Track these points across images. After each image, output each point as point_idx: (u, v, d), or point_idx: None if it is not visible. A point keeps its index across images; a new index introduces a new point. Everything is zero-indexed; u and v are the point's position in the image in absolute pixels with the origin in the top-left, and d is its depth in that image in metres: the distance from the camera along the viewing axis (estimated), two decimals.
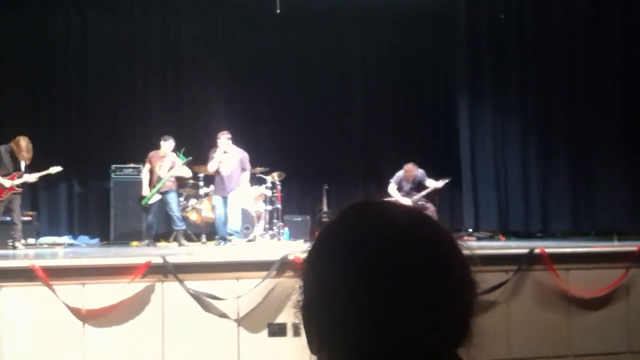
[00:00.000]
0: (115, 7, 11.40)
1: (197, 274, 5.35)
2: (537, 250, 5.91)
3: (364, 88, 12.46)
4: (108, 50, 11.34)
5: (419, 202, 9.98)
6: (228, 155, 9.22)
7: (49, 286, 5.01)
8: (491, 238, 10.45)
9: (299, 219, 11.09)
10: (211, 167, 9.28)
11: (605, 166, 10.58)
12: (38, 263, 5.14)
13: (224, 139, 9.21)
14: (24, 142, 8.78)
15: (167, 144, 9.53)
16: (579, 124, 10.84)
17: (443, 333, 0.84)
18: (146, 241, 9.47)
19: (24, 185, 8.94)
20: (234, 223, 9.06)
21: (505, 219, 10.99)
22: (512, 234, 10.59)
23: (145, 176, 9.57)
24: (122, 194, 10.37)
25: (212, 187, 9.81)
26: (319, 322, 0.87)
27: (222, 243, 9.05)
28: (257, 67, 11.89)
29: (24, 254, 7.62)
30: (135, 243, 9.75)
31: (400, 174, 10.26)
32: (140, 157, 10.16)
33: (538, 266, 5.86)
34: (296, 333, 5.26)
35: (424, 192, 10.15)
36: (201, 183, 10.30)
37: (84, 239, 10.79)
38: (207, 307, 5.30)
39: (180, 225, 9.57)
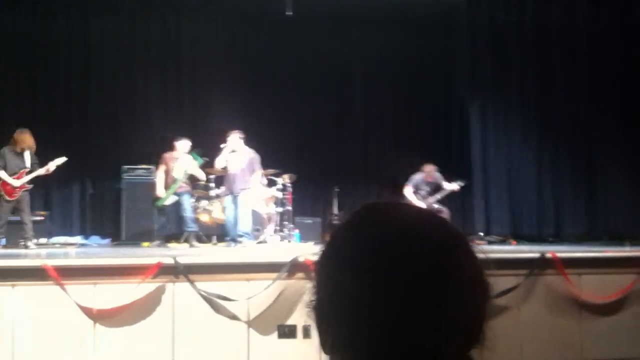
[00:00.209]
0: (118, 9, 11.42)
1: (208, 275, 5.37)
2: (548, 255, 5.88)
3: (377, 91, 12.39)
4: (122, 52, 11.43)
5: (434, 206, 9.95)
6: (237, 154, 9.22)
7: (61, 286, 5.04)
8: (502, 242, 10.40)
9: (310, 221, 11.09)
10: (218, 163, 9.28)
11: (619, 171, 10.53)
12: (50, 262, 5.17)
13: (234, 137, 9.21)
14: (19, 135, 8.78)
15: (182, 145, 9.55)
16: (592, 128, 10.80)
17: (454, 335, 0.84)
18: (157, 242, 9.50)
19: (36, 182, 8.95)
20: (245, 225, 9.06)
21: (517, 223, 10.97)
22: (525, 238, 10.54)
23: (160, 177, 9.57)
24: (134, 195, 10.43)
25: (222, 188, 9.82)
26: (331, 323, 0.88)
27: (233, 244, 9.05)
28: (268, 69, 11.89)
29: (35, 253, 7.65)
30: (146, 244, 9.77)
31: (418, 176, 10.22)
32: (152, 158, 10.21)
33: (549, 270, 5.83)
34: (306, 335, 5.26)
35: (439, 195, 10.12)
36: (212, 184, 10.32)
37: (95, 239, 10.83)
38: (217, 308, 5.31)
39: (192, 227, 9.57)
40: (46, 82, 11.31)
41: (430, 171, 10.14)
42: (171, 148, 9.61)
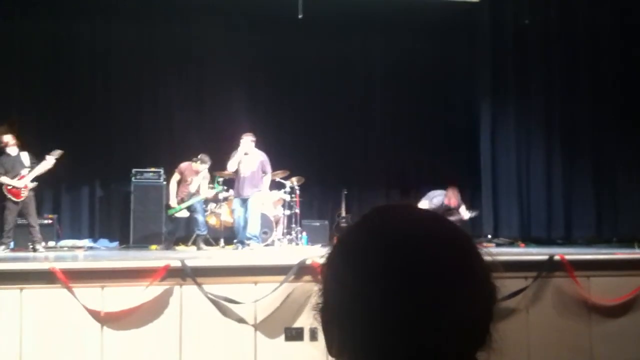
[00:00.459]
0: (138, 13, 11.42)
1: (216, 278, 5.37)
2: (557, 257, 5.85)
3: (385, 94, 12.37)
4: (131, 56, 11.44)
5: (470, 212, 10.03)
6: (248, 157, 9.24)
7: (69, 288, 5.05)
8: (510, 244, 10.37)
9: (318, 223, 11.10)
10: (230, 166, 9.29)
11: (629, 173, 10.49)
12: (58, 265, 5.18)
13: (247, 140, 9.23)
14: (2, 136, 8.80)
15: (205, 166, 9.57)
16: (602, 130, 10.76)
17: (462, 336, 0.83)
18: (165, 245, 9.52)
19: (44, 185, 8.95)
20: (254, 227, 9.06)
21: (526, 225, 10.94)
22: (534, 240, 10.50)
23: (172, 186, 9.59)
24: (142, 198, 10.45)
25: (231, 191, 9.83)
26: (338, 325, 0.87)
27: (241, 247, 9.06)
28: (278, 72, 11.87)
29: (44, 256, 7.67)
30: (154, 247, 9.80)
31: (439, 197, 9.99)
32: (161, 162, 10.22)
33: (558, 273, 5.80)
34: (313, 337, 5.25)
35: (451, 217, 10.02)
36: (224, 187, 10.32)
37: (103, 242, 10.86)
38: (224, 311, 5.31)
39: (203, 231, 9.59)
40: (69, 87, 11.27)
41: (452, 196, 9.95)
42: (194, 160, 9.59)
